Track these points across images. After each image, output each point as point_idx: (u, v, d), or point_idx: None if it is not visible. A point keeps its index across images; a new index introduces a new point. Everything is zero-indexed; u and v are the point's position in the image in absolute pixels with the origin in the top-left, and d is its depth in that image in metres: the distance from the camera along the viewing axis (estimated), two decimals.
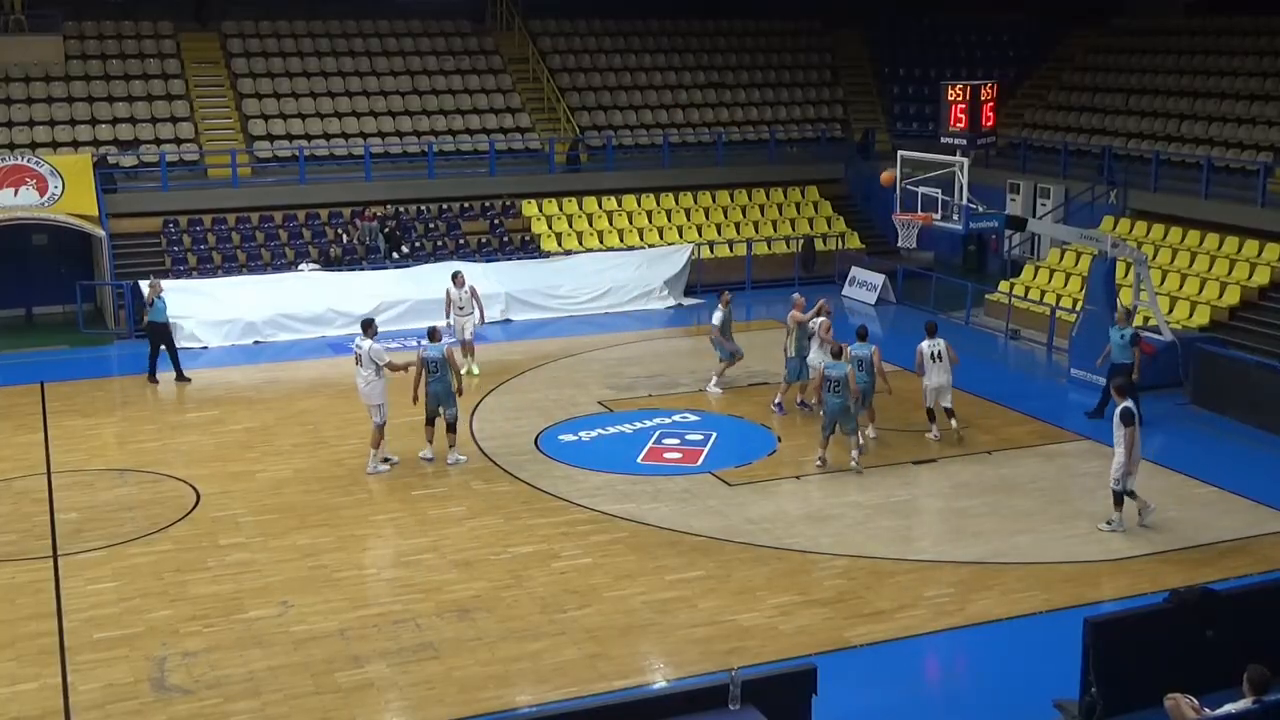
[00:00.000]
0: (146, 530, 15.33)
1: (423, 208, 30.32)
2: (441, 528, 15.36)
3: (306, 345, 24.69)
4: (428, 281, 26.49)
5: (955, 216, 21.59)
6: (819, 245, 30.87)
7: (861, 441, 17.38)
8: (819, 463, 17.15)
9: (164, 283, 25.41)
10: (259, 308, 25.07)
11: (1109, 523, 15.16)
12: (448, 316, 22.27)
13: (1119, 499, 15.06)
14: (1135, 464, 14.94)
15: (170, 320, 23.93)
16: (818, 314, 19.53)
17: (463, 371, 21.08)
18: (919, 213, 22.00)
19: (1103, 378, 20.69)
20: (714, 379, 21.07)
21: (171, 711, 11.26)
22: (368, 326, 17.77)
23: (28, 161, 26.13)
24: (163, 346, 21.95)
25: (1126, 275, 23.12)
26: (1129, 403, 14.88)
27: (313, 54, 33.38)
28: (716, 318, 20.81)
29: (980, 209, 21.85)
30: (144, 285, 23.32)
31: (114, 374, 23.08)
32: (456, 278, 22.52)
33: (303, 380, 22.25)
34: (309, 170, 29.89)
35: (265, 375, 22.58)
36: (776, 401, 19.87)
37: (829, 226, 32.40)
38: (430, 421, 17.67)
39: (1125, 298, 22.07)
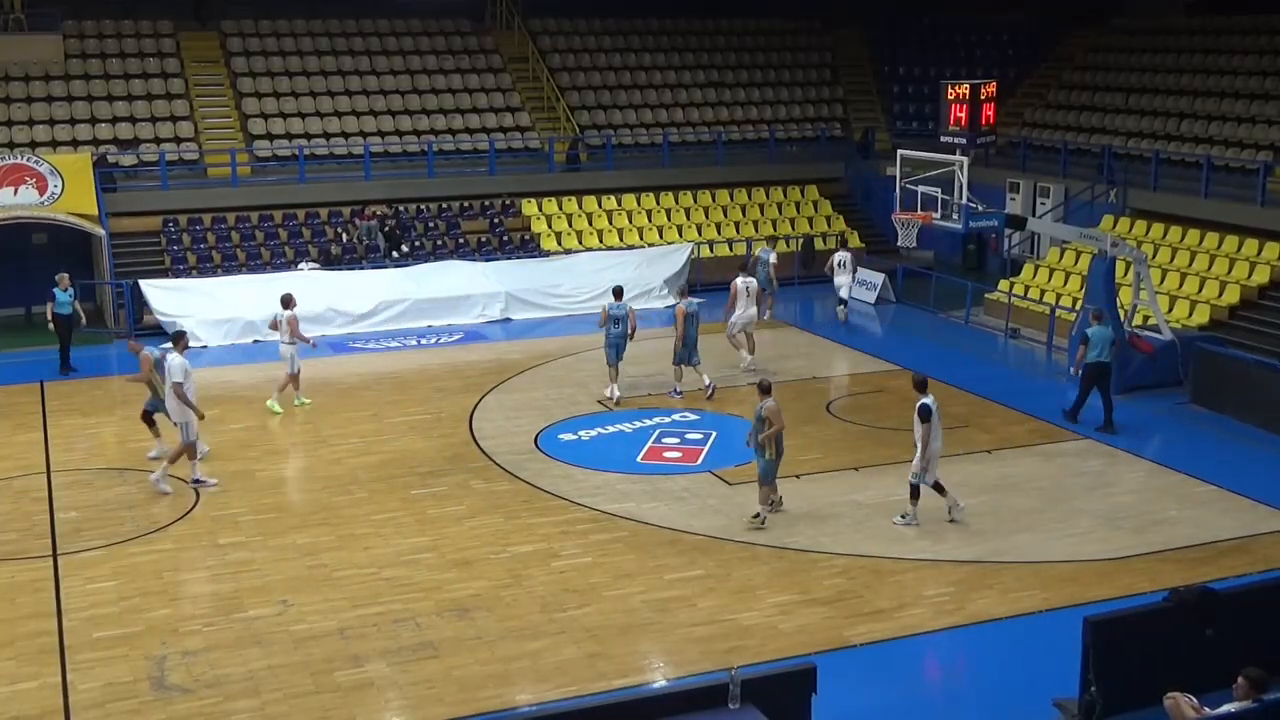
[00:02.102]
0: (146, 529, 15.33)
1: (422, 207, 30.32)
2: (441, 527, 15.36)
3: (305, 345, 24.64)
4: (427, 281, 26.54)
5: (955, 215, 21.61)
6: (818, 244, 30.87)
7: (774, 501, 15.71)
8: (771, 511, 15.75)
9: (163, 281, 25.59)
10: (259, 307, 25.00)
11: (902, 516, 15.32)
12: (283, 338, 20.01)
13: (914, 492, 15.22)
14: (933, 459, 15.07)
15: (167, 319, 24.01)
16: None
17: (296, 404, 20.06)
18: (919, 212, 22.02)
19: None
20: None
21: (171, 710, 11.27)
22: (178, 339, 16.90)
23: (27, 160, 26.11)
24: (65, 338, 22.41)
25: (1126, 274, 23.12)
26: (928, 399, 15.02)
27: (312, 53, 33.39)
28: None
29: (980, 208, 21.86)
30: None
31: (114, 373, 23.07)
32: (289, 301, 20.12)
33: (302, 379, 22.20)
34: (309, 169, 29.88)
35: (265, 374, 22.51)
36: (678, 390, 20.79)
37: (829, 226, 32.40)
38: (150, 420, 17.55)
39: (1125, 297, 22.09)
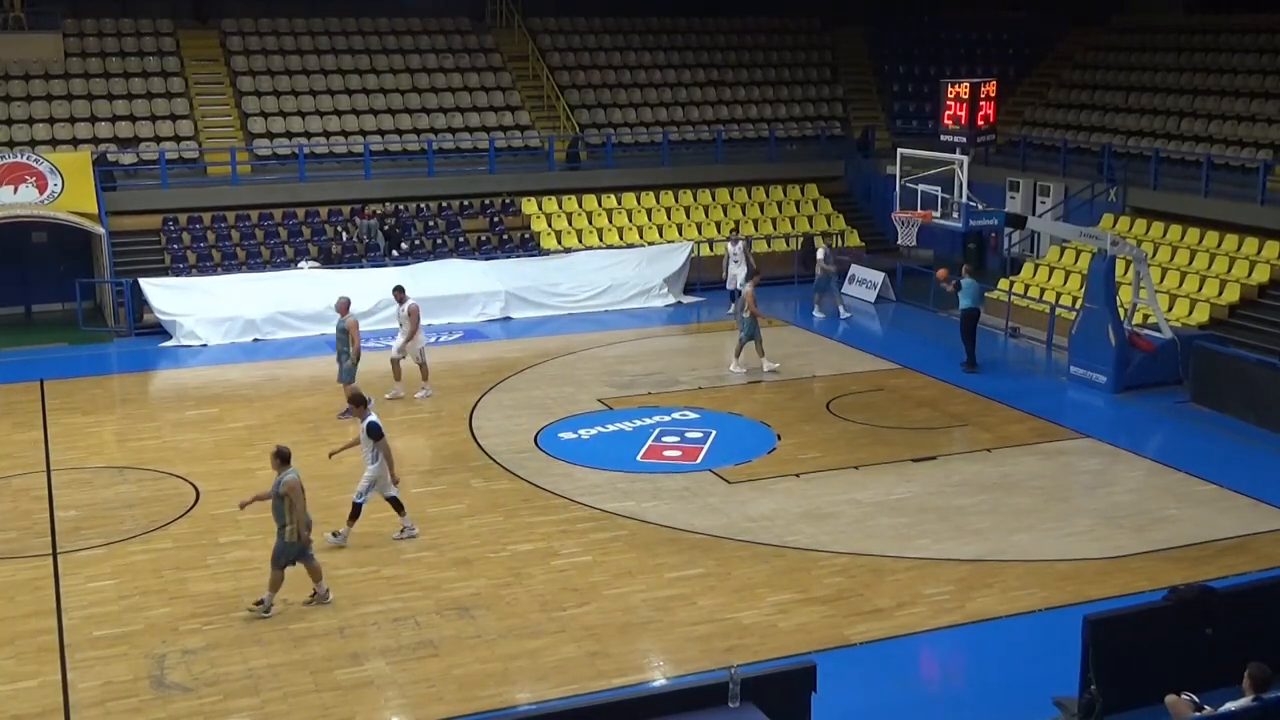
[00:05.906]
0: (146, 528, 15.34)
1: (422, 205, 30.32)
2: (441, 525, 15.36)
3: (306, 343, 24.67)
4: (427, 279, 26.52)
5: (955, 214, 21.62)
6: (818, 243, 30.84)
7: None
8: None
9: (163, 280, 25.60)
10: (258, 305, 25.06)
11: (335, 534, 14.68)
12: None
13: (355, 511, 14.71)
14: (381, 477, 14.62)
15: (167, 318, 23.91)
16: None
17: None
18: (919, 210, 22.03)
19: (1103, 376, 20.90)
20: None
21: (171, 709, 11.27)
22: None
23: (27, 159, 26.11)
24: None
25: (1126, 273, 23.13)
26: (374, 416, 14.64)
27: (312, 51, 33.37)
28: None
29: (980, 207, 21.87)
30: None
31: (113, 371, 23.09)
32: None
33: (302, 378, 22.25)
34: (309, 168, 29.87)
35: (265, 373, 22.58)
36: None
37: (829, 224, 32.39)
38: None
39: (1125, 295, 22.11)
